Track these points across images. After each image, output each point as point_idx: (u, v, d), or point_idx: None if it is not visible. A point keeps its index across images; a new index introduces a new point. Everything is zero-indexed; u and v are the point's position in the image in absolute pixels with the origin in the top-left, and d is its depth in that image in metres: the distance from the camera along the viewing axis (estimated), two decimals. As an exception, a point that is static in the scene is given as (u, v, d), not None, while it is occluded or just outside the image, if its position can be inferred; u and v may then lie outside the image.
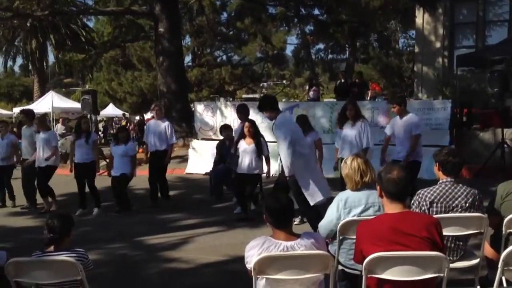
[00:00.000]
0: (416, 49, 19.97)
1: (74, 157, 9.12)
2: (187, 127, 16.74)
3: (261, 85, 47.94)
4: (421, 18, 18.59)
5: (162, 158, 9.37)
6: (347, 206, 3.95)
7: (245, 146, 7.97)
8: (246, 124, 8.07)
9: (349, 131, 7.64)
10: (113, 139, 9.71)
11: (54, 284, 3.40)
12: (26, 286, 4.12)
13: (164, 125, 9.45)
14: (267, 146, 8.32)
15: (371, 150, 7.70)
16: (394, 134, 7.75)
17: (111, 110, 33.58)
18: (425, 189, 4.06)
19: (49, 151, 9.15)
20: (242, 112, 8.66)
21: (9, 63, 33.74)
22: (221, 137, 10.19)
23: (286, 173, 6.50)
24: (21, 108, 29.74)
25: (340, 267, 3.97)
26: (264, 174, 8.37)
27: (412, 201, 4.04)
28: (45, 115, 12.18)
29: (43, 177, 9.19)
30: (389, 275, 3.01)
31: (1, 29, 29.53)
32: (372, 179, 3.90)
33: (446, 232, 3.58)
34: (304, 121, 7.97)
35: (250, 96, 34.72)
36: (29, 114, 10.19)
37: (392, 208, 3.12)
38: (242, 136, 8.11)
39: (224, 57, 39.98)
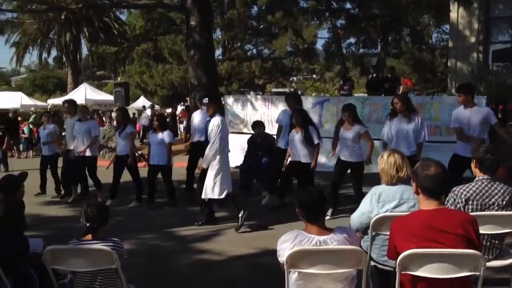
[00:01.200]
0: (450, 44, 19.62)
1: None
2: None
3: (290, 79, 47.75)
4: (455, 12, 18.22)
5: (203, 149, 9.42)
6: (381, 200, 3.92)
7: (294, 135, 7.98)
8: (295, 114, 8.10)
9: (403, 126, 7.37)
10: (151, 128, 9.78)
11: (90, 272, 3.47)
12: (62, 274, 4.24)
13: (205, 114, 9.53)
14: (318, 134, 8.14)
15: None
16: (462, 127, 7.24)
17: (142, 102, 33.95)
18: (460, 186, 4.00)
19: (89, 140, 9.34)
20: (289, 101, 8.74)
21: (44, 55, 34.32)
22: (252, 131, 10.19)
23: (204, 165, 7.22)
24: (55, 99, 30.42)
25: (372, 263, 3.95)
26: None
27: (447, 198, 3.99)
28: (86, 106, 12.38)
29: (82, 166, 9.41)
30: (423, 272, 2.98)
31: (36, 22, 30.06)
32: (408, 175, 3.86)
33: (481, 230, 3.51)
34: (349, 109, 7.72)
35: (280, 90, 34.59)
36: (72, 104, 10.27)
37: (427, 204, 3.08)
38: (292, 125, 8.12)
39: (254, 51, 39.89)
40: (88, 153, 9.37)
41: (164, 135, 9.03)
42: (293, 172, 8.14)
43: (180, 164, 10.40)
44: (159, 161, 8.94)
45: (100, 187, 9.54)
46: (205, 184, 7.25)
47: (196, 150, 9.45)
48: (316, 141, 7.89)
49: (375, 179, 4.31)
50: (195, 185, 9.56)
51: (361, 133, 7.63)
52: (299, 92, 32.69)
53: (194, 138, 9.52)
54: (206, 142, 9.18)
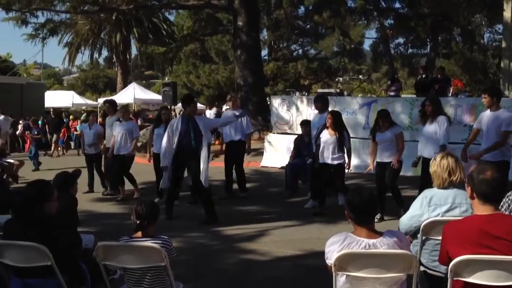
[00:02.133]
0: (503, 44, 19.03)
1: (153, 147, 9.43)
2: (263, 120, 16.86)
3: (336, 79, 47.37)
4: (509, 11, 17.68)
5: (237, 148, 9.49)
6: (432, 204, 3.84)
7: (327, 137, 7.90)
8: (329, 115, 8.01)
9: (428, 128, 7.36)
10: None
11: (140, 268, 3.54)
12: (112, 270, 4.34)
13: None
14: (349, 139, 8.19)
15: (452, 148, 7.35)
16: (483, 129, 7.10)
17: (188, 102, 34.37)
18: (515, 191, 3.87)
19: (130, 140, 9.53)
20: (319, 102, 8.68)
21: (95, 55, 35.24)
22: (297, 132, 10.15)
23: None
24: (105, 98, 31.22)
25: (422, 268, 3.87)
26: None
27: (502, 203, 3.86)
28: (127, 106, 12.65)
29: (120, 165, 9.60)
30: (476, 279, 2.90)
31: (88, 23, 30.89)
32: (461, 179, 3.76)
33: (538, 237, 3.40)
34: (384, 116, 7.78)
35: (326, 90, 34.30)
36: (112, 104, 10.53)
37: (482, 210, 2.99)
38: (324, 126, 8.04)
39: (300, 51, 39.81)
40: (124, 152, 9.53)
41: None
42: (323, 175, 8.04)
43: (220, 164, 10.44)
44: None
45: (135, 183, 9.79)
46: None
47: (232, 149, 9.53)
48: (347, 146, 8.00)
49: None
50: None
51: (396, 134, 7.60)
52: (345, 93, 32.40)
53: (226, 138, 9.66)
54: (240, 141, 9.30)
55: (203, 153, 7.69)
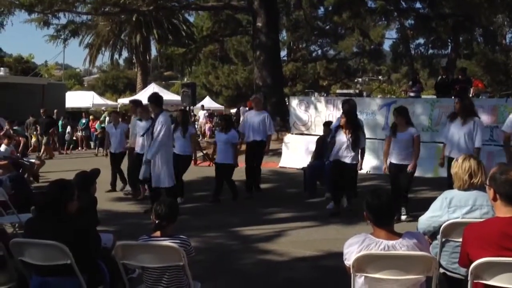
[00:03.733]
0: (526, 45, 18.72)
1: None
2: (281, 121, 16.85)
3: (356, 80, 47.14)
4: (533, 11, 17.40)
5: (258, 148, 9.52)
6: (452, 205, 3.80)
7: (341, 137, 7.91)
8: (342, 115, 8.02)
9: (458, 129, 7.27)
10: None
11: (159, 268, 3.56)
12: (130, 268, 4.37)
13: (263, 115, 9.66)
14: (364, 139, 8.20)
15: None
16: None
17: (207, 102, 34.57)
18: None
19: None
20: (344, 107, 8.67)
21: (115, 56, 35.55)
22: (315, 133, 10.12)
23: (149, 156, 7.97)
24: (125, 99, 31.47)
25: (441, 270, 3.84)
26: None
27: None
28: (147, 105, 12.72)
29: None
30: (497, 281, 2.87)
31: (109, 24, 31.17)
32: (482, 181, 3.71)
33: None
34: (402, 113, 7.67)
35: (345, 91, 34.21)
36: (135, 104, 10.51)
37: (505, 211, 2.94)
38: (339, 126, 8.03)
39: (320, 52, 39.67)
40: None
41: (229, 136, 9.16)
42: (336, 172, 8.03)
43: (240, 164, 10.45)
44: (226, 159, 9.09)
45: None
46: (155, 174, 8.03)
47: (253, 150, 9.56)
48: (362, 145, 8.00)
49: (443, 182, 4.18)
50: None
51: (414, 137, 7.54)
52: (365, 94, 32.21)
53: (249, 137, 9.66)
54: (261, 141, 9.33)
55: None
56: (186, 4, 24.05)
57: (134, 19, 29.26)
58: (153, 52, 35.62)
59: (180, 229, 5.80)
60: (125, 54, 36.50)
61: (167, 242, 3.55)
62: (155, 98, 8.26)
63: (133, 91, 36.51)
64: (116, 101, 34.80)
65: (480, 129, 7.22)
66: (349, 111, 8.00)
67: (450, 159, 6.90)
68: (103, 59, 59.08)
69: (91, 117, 23.56)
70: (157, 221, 3.66)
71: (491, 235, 2.89)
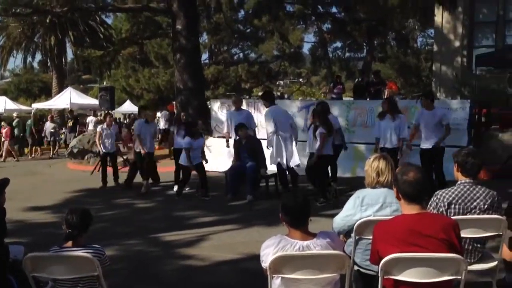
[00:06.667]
0: (435, 48, 19.77)
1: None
2: (203, 124, 16.75)
3: (277, 83, 47.82)
4: (440, 16, 18.40)
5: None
6: (364, 204, 3.92)
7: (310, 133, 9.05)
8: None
9: (389, 124, 8.87)
10: (186, 133, 9.97)
11: (71, 279, 3.43)
12: (42, 281, 4.18)
13: (246, 113, 10.55)
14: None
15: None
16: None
17: (128, 106, 33.79)
18: (443, 190, 4.02)
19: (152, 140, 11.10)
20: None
21: (29, 59, 34.03)
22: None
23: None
24: (40, 104, 30.13)
25: (355, 268, 3.96)
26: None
27: (430, 202, 4.01)
28: (152, 110, 13.41)
29: (151, 161, 11.15)
30: (406, 276, 2.99)
31: (21, 25, 29.81)
32: (389, 181, 3.86)
33: (464, 234, 3.54)
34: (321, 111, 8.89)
35: (266, 94, 34.52)
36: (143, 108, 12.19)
37: (409, 209, 3.09)
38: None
39: (241, 55, 39.92)
40: (151, 150, 11.02)
41: (201, 141, 10.24)
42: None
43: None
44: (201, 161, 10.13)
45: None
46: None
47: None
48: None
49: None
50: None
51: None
52: (286, 96, 32.75)
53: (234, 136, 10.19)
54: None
55: None
56: (102, 6, 23.40)
57: (47, 20, 28.14)
58: (70, 54, 34.47)
59: (99, 237, 5.65)
60: (39, 57, 35.06)
61: (79, 252, 3.42)
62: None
63: (49, 95, 35.04)
64: (31, 105, 33.21)
65: (405, 124, 8.89)
66: (318, 111, 9.00)
67: (383, 150, 8.66)
68: (16, 62, 56.37)
69: (2, 123, 22.31)
70: (68, 231, 3.52)
71: (399, 232, 3.02)
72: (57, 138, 21.88)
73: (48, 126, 21.55)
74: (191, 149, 9.67)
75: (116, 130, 11.95)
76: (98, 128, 11.89)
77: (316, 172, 8.89)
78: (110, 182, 11.45)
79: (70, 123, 22.39)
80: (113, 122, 12.16)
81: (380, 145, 9.00)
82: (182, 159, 9.85)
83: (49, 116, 23.41)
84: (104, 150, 11.41)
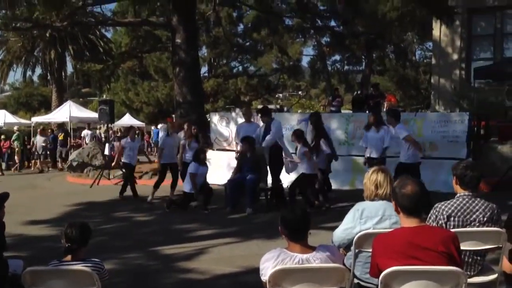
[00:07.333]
0: (433, 61, 19.87)
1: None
2: (203, 138, 16.77)
3: (276, 96, 47.96)
4: (438, 30, 18.52)
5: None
6: (364, 216, 3.92)
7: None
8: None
9: (374, 135, 9.54)
10: (194, 158, 9.95)
11: (70, 293, 3.42)
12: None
13: (255, 126, 10.44)
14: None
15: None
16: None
17: (127, 120, 33.83)
18: (442, 203, 4.01)
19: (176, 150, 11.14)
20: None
21: (28, 73, 34.10)
22: (236, 148, 10.25)
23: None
24: (39, 117, 30.17)
25: (356, 281, 3.95)
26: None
27: (429, 215, 4.00)
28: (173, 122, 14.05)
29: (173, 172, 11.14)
30: (405, 289, 2.98)
31: (21, 40, 29.92)
32: (387, 193, 3.87)
33: (463, 246, 3.53)
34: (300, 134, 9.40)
35: (266, 106, 34.58)
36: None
37: (408, 222, 3.09)
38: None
39: (240, 68, 40.10)
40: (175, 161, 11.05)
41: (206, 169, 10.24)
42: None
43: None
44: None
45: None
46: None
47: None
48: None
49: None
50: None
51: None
52: (285, 109, 32.81)
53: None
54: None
55: None
56: (102, 20, 23.54)
57: (47, 34, 28.26)
58: (69, 68, 34.56)
59: (99, 250, 5.63)
60: (38, 70, 35.15)
61: (78, 266, 3.42)
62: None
63: (48, 108, 35.08)
64: (30, 119, 33.23)
65: (388, 133, 9.32)
66: (297, 134, 9.39)
67: (370, 159, 9.41)
68: (15, 76, 56.53)
69: (2, 136, 22.32)
70: (67, 245, 3.51)
71: (398, 245, 3.02)
72: (48, 152, 21.68)
73: (39, 139, 21.27)
74: (196, 175, 9.65)
75: (139, 143, 12.55)
76: (122, 142, 12.24)
77: (301, 188, 9.39)
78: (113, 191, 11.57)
79: (61, 136, 22.04)
80: (136, 135, 12.34)
81: (366, 155, 9.71)
82: (187, 187, 9.80)
83: (39, 130, 22.92)
84: (130, 162, 11.63)
